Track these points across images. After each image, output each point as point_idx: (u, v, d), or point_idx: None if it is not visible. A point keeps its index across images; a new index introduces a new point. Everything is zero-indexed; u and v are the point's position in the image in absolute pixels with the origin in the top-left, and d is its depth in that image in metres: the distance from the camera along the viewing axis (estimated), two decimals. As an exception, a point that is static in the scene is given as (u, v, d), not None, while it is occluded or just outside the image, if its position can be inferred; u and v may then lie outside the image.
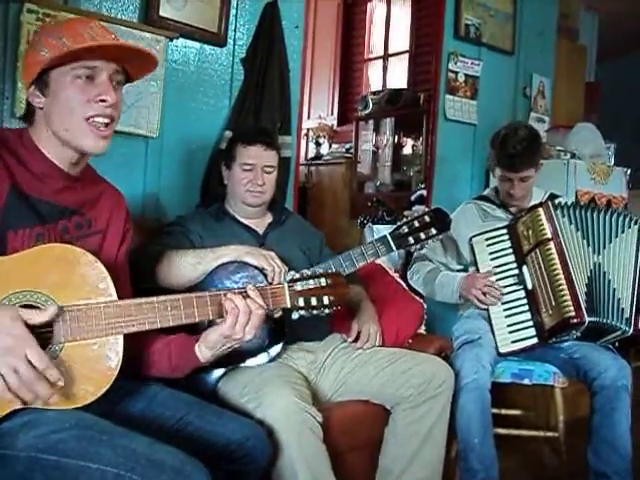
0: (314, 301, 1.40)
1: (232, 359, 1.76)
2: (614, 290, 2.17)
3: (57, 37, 1.25)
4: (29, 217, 1.27)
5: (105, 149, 1.33)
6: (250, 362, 1.77)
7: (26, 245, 1.24)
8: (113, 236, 1.44)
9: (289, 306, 1.39)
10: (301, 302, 1.39)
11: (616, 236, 2.22)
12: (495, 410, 2.17)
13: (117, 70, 1.32)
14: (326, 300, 1.41)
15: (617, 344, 2.24)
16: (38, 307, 1.16)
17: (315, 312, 1.41)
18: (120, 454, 1.11)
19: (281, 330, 1.76)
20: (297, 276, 1.43)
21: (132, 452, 1.12)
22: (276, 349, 1.78)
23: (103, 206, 1.44)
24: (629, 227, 2.24)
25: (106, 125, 1.31)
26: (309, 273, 1.44)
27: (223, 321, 1.32)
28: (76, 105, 1.27)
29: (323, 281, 1.41)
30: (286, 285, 1.40)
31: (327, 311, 1.42)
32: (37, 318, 1.10)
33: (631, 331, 2.13)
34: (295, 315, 1.41)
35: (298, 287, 1.40)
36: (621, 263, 2.20)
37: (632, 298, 2.16)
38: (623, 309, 2.15)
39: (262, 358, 1.78)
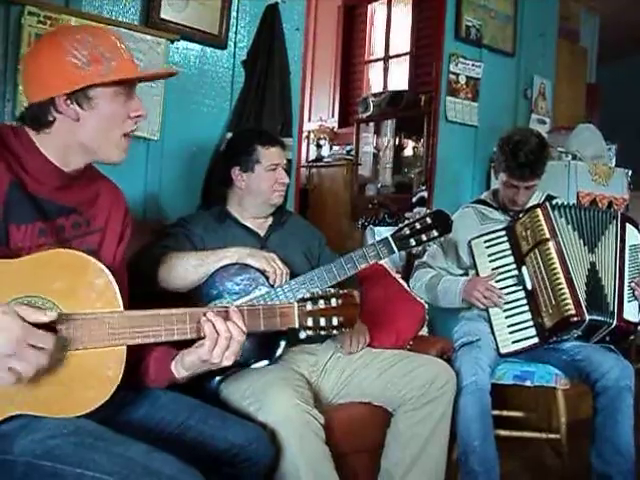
0: (323, 322, 1.37)
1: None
2: (603, 286, 2.18)
3: (101, 53, 1.26)
4: (30, 213, 1.27)
5: None
6: (252, 365, 1.76)
7: (29, 240, 1.24)
8: (112, 234, 1.43)
9: (297, 326, 1.37)
10: (310, 322, 1.36)
11: (602, 233, 2.25)
12: (496, 412, 2.17)
13: None
14: (335, 321, 1.37)
15: (608, 338, 2.22)
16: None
17: (323, 333, 1.38)
18: (116, 462, 1.10)
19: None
20: (308, 295, 1.39)
21: (128, 460, 1.11)
22: (278, 351, 1.78)
23: (102, 204, 1.43)
24: (610, 222, 2.27)
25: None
26: (320, 292, 1.39)
27: (201, 344, 1.25)
28: (119, 121, 1.31)
29: (334, 301, 1.38)
30: (296, 305, 1.36)
31: (335, 332, 1.39)
32: (34, 316, 1.06)
33: (615, 322, 2.13)
34: (302, 335, 1.38)
35: (308, 307, 1.37)
36: (607, 258, 2.22)
37: (614, 290, 2.17)
38: (609, 303, 2.16)
39: (264, 361, 1.77)
